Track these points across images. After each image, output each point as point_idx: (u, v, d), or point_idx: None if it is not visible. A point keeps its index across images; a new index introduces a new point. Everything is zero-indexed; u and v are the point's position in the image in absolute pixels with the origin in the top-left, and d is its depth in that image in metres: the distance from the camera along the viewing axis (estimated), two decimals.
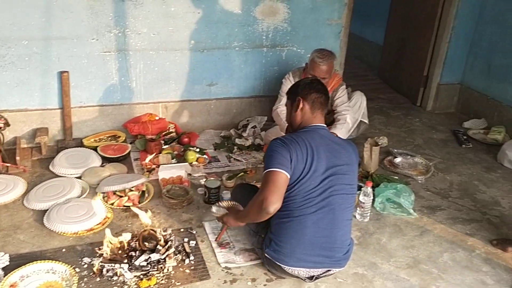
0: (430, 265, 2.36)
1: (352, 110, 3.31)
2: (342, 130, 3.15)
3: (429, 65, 4.47)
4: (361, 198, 2.63)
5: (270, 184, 1.89)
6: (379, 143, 3.44)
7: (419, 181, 3.17)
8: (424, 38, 4.44)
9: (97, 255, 2.17)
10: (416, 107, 4.65)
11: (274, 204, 1.88)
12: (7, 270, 2.06)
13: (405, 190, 2.83)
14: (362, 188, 2.64)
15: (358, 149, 2.26)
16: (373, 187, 2.89)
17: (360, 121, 3.50)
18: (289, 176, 1.92)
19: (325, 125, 2.12)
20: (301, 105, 2.08)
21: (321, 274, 2.08)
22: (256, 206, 1.93)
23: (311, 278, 2.08)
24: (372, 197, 2.65)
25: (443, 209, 2.87)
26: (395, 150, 3.54)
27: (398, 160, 3.39)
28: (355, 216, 2.68)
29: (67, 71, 3.18)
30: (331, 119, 3.32)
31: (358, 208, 2.67)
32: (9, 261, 2.12)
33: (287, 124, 2.95)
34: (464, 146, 3.78)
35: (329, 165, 1.99)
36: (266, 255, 2.09)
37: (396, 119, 4.33)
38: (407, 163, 3.39)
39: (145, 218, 2.31)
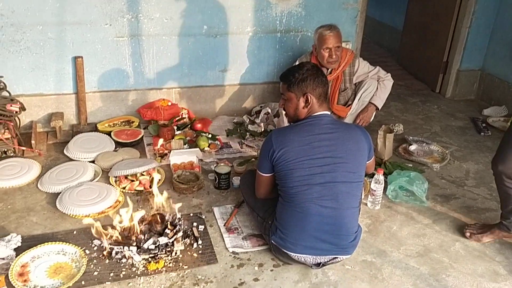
0: (442, 254, 2.31)
1: (384, 73, 3.28)
2: (382, 96, 3.24)
3: (449, 51, 4.35)
4: (372, 185, 2.59)
5: (256, 181, 2.23)
6: (394, 130, 3.38)
7: (434, 169, 3.10)
8: (444, 23, 4.32)
9: (107, 237, 2.19)
10: (435, 93, 4.55)
11: (261, 195, 2.25)
12: (19, 251, 2.11)
13: (418, 178, 2.77)
14: (374, 176, 2.60)
15: (372, 136, 2.22)
16: (385, 175, 2.86)
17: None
18: (269, 175, 2.12)
19: (329, 113, 2.09)
20: (309, 101, 2.05)
21: (328, 261, 2.06)
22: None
23: (318, 265, 2.07)
24: (383, 185, 2.60)
25: (458, 197, 2.81)
26: (410, 138, 3.47)
27: (413, 147, 3.32)
28: (366, 204, 2.65)
29: (81, 56, 3.20)
30: (346, 98, 3.27)
31: (369, 196, 2.64)
32: (21, 242, 2.17)
33: None
34: (482, 134, 3.68)
35: (327, 154, 1.96)
36: (272, 241, 2.09)
37: (413, 105, 4.24)
38: (423, 150, 3.33)
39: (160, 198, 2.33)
